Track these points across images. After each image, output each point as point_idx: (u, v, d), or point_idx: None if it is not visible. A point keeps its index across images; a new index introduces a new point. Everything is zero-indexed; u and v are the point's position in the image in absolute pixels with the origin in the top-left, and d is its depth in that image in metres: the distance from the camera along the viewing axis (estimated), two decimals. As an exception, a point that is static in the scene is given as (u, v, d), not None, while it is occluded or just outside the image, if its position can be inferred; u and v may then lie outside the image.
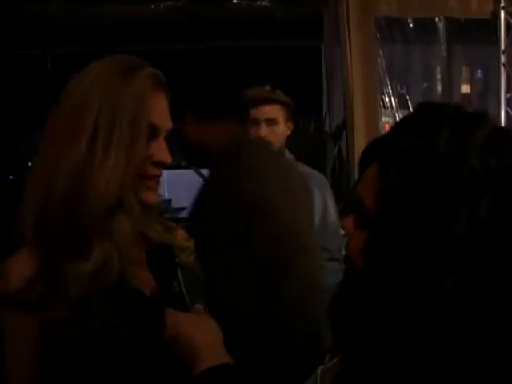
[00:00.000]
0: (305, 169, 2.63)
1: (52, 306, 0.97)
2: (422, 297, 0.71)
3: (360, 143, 3.59)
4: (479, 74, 4.55)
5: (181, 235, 1.18)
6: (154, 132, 1.06)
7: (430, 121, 0.76)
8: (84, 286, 0.98)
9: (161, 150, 1.07)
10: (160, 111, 1.07)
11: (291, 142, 2.69)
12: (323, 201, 2.49)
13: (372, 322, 0.74)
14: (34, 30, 4.75)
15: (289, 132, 2.58)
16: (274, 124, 2.50)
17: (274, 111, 2.51)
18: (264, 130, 2.48)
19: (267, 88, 2.55)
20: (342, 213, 2.61)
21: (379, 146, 0.83)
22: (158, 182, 1.09)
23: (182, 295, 1.01)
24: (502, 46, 3.99)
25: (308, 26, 4.64)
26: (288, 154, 2.61)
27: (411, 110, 3.98)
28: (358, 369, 0.74)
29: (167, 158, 1.08)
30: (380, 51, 3.84)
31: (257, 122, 2.48)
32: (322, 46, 4.90)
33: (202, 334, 0.96)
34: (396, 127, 0.82)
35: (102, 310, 1.00)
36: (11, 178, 3.82)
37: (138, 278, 1.06)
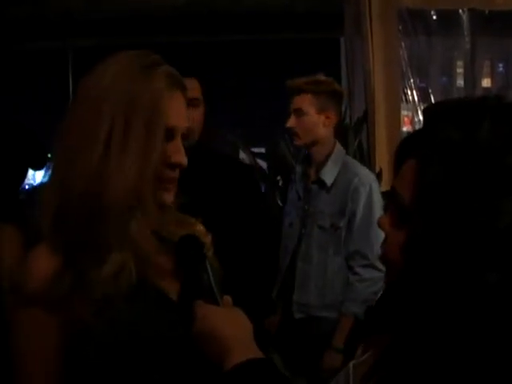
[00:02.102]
0: (354, 165, 2.53)
1: (76, 305, 0.96)
2: (465, 292, 0.70)
3: (381, 137, 3.55)
4: (500, 67, 4.49)
5: (199, 230, 1.15)
6: (170, 134, 1.04)
7: (471, 112, 0.75)
8: (107, 288, 0.97)
9: (177, 152, 1.05)
10: (177, 112, 1.05)
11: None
12: (368, 200, 2.36)
13: (416, 318, 0.73)
14: (55, 22, 4.77)
15: (328, 123, 2.46)
16: (303, 115, 2.44)
17: (301, 101, 2.44)
18: (291, 121, 2.45)
19: (317, 77, 2.48)
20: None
21: (415, 141, 0.81)
22: (176, 183, 1.07)
23: (211, 288, 1.00)
24: (527, 39, 3.93)
25: (327, 19, 4.60)
26: (338, 146, 2.52)
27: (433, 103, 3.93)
28: (400, 364, 0.73)
29: (183, 160, 1.05)
30: (402, 43, 3.79)
31: (289, 113, 2.46)
32: (342, 39, 4.85)
33: (232, 328, 0.95)
34: (433, 121, 0.80)
35: (126, 311, 0.99)
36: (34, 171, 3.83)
37: (162, 281, 1.05)
